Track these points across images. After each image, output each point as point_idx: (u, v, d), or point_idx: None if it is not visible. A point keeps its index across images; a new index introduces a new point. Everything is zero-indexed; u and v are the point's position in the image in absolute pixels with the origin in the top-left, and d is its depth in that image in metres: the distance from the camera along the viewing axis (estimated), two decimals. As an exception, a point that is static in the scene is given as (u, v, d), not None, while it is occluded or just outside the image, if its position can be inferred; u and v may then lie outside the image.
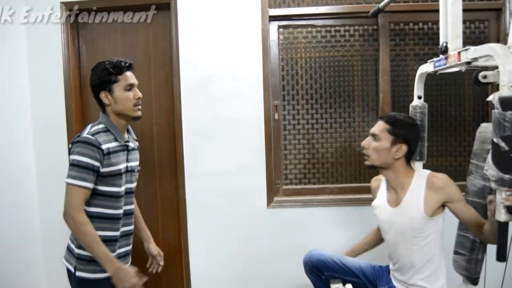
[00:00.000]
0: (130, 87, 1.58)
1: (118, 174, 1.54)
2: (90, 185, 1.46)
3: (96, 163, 1.46)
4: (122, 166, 1.57)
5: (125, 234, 1.65)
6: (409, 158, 1.69)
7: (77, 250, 1.54)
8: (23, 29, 2.38)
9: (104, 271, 1.52)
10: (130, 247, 1.69)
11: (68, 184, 1.45)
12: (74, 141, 1.49)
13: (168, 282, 2.56)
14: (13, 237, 2.23)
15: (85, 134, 1.49)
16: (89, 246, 1.45)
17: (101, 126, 1.54)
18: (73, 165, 1.45)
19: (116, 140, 1.55)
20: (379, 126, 1.69)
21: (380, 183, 1.84)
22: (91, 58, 2.48)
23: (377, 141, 1.67)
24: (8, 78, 2.27)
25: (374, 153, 1.67)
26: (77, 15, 2.45)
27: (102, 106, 1.59)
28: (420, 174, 1.66)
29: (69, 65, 2.39)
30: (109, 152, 1.50)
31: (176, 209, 2.48)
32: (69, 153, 1.50)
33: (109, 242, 1.54)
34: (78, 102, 2.45)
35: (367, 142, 1.70)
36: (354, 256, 1.96)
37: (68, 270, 1.58)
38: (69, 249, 1.60)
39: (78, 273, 1.53)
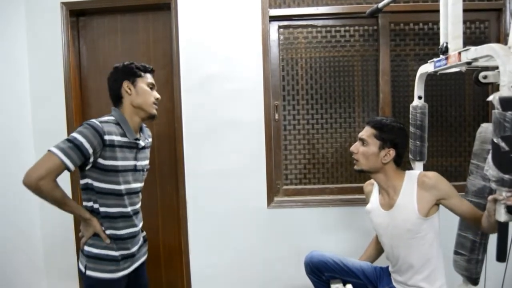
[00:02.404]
0: (152, 86, 1.61)
1: (124, 170, 1.51)
2: (71, 166, 1.37)
3: (90, 149, 1.39)
4: (129, 163, 1.53)
5: (134, 235, 1.59)
6: (398, 161, 1.69)
7: (86, 248, 1.50)
8: (23, 30, 2.38)
9: (116, 271, 1.49)
10: (136, 247, 1.60)
11: (49, 151, 1.36)
12: (82, 123, 1.45)
13: (168, 282, 2.56)
14: (14, 237, 2.24)
15: (94, 120, 1.46)
16: (60, 202, 1.42)
17: (112, 118, 1.53)
18: (68, 140, 1.39)
19: (124, 135, 1.52)
20: (367, 131, 1.68)
21: (372, 187, 1.83)
22: (91, 59, 2.49)
23: (365, 146, 1.67)
24: (8, 78, 2.27)
25: (362, 158, 1.67)
26: (77, 15, 2.46)
27: (118, 98, 1.57)
28: (411, 175, 1.66)
29: (69, 65, 2.39)
30: (114, 145, 1.46)
31: (176, 209, 2.48)
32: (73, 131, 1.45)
33: (128, 239, 1.55)
34: (78, 102, 2.46)
35: (356, 147, 1.70)
36: None
37: (79, 271, 1.53)
38: (81, 251, 1.54)
39: (89, 273, 1.48)
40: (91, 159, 1.42)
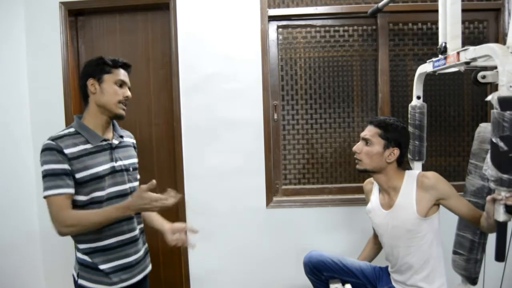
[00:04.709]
0: (121, 83, 1.48)
1: (94, 178, 1.40)
2: (69, 190, 1.34)
3: (65, 166, 1.34)
4: (102, 168, 1.42)
5: (124, 244, 1.47)
6: (400, 161, 1.69)
7: (80, 255, 1.43)
8: (22, 29, 2.38)
9: (110, 283, 1.41)
10: (132, 258, 1.50)
11: (46, 197, 1.33)
12: (40, 151, 1.38)
13: (167, 283, 2.55)
14: (12, 236, 2.23)
15: (46, 140, 1.38)
16: (96, 224, 1.34)
17: (69, 130, 1.43)
18: (44, 176, 1.34)
19: (88, 142, 1.42)
20: (370, 131, 1.68)
21: (372, 186, 1.83)
22: (90, 58, 2.48)
23: (369, 145, 1.66)
24: (7, 78, 2.27)
25: (366, 157, 1.66)
26: (76, 15, 2.46)
27: (85, 97, 1.47)
28: (410, 175, 1.66)
29: (68, 65, 2.39)
30: (77, 157, 1.37)
31: (176, 210, 2.48)
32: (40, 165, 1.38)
33: (97, 252, 1.42)
34: (77, 102, 2.44)
35: (359, 147, 1.69)
36: None
37: (73, 277, 1.47)
38: (75, 255, 1.47)
39: (81, 281, 1.42)
40: (72, 173, 1.37)
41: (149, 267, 1.63)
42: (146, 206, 1.33)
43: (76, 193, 1.38)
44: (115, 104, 1.46)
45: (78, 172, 1.37)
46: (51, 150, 1.35)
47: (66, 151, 1.36)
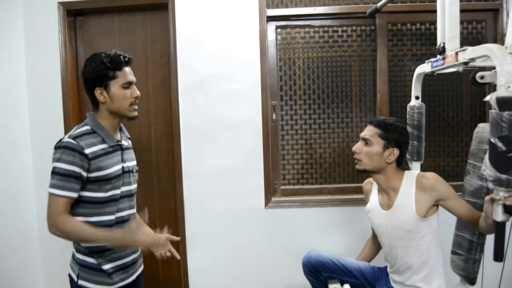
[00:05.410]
0: (128, 85, 1.45)
1: (110, 178, 1.41)
2: (73, 194, 1.34)
3: (79, 170, 1.33)
4: (116, 168, 1.44)
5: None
6: (399, 161, 1.69)
7: (80, 257, 1.43)
8: (21, 29, 2.37)
9: (110, 283, 1.44)
10: (131, 258, 1.52)
11: (49, 194, 1.33)
12: (56, 146, 1.36)
13: (166, 283, 2.55)
14: (11, 237, 2.23)
15: (66, 138, 1.36)
16: (89, 240, 1.36)
17: (86, 128, 1.42)
18: (54, 173, 1.33)
19: (104, 142, 1.42)
20: (370, 131, 1.68)
21: (371, 186, 1.83)
22: (88, 60, 2.48)
23: (368, 145, 1.66)
24: (5, 78, 2.26)
25: (366, 157, 1.66)
26: (74, 15, 2.45)
27: (95, 102, 1.46)
28: (410, 175, 1.66)
29: (67, 65, 2.38)
30: (96, 156, 1.37)
31: (174, 210, 2.48)
32: (52, 160, 1.36)
33: (102, 253, 1.43)
34: (75, 102, 2.45)
35: (358, 147, 1.69)
36: None
37: (71, 278, 1.46)
38: (73, 256, 1.47)
39: (81, 282, 1.41)
40: (85, 175, 1.36)
41: (142, 268, 1.65)
42: (154, 249, 1.49)
43: (95, 190, 1.39)
44: (128, 109, 1.47)
45: (96, 171, 1.38)
46: (72, 150, 1.33)
47: (87, 151, 1.36)
